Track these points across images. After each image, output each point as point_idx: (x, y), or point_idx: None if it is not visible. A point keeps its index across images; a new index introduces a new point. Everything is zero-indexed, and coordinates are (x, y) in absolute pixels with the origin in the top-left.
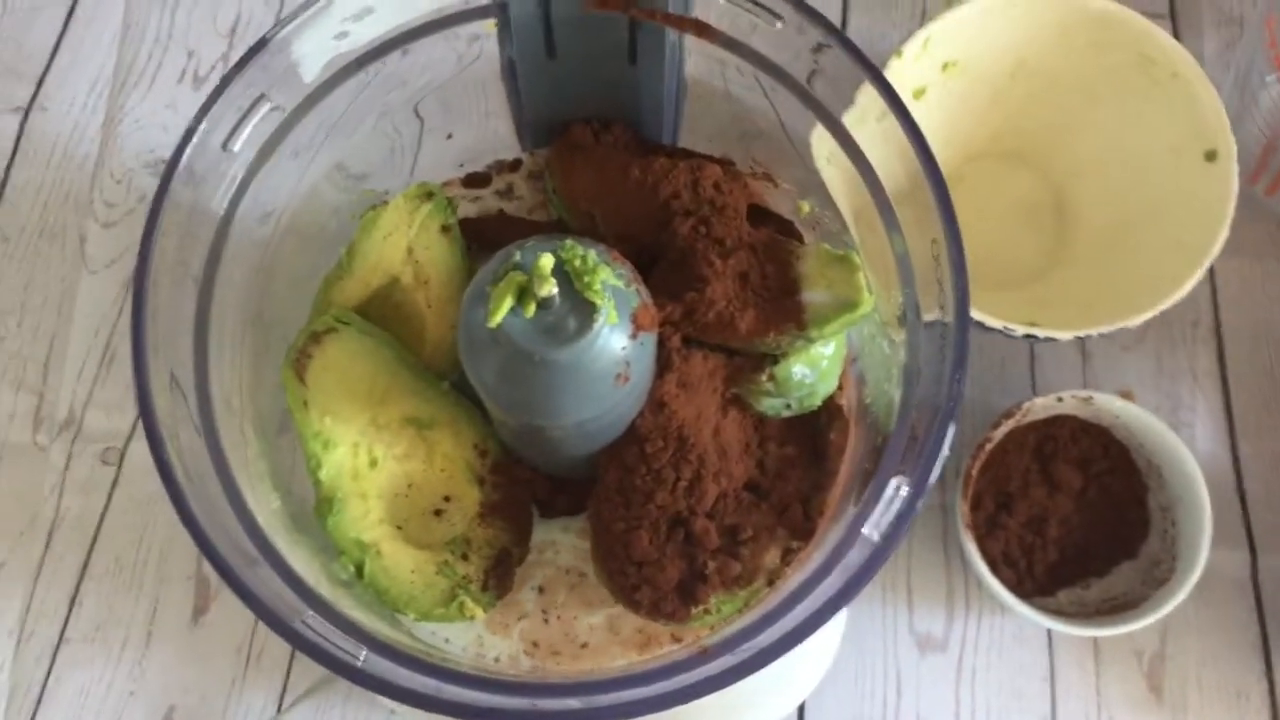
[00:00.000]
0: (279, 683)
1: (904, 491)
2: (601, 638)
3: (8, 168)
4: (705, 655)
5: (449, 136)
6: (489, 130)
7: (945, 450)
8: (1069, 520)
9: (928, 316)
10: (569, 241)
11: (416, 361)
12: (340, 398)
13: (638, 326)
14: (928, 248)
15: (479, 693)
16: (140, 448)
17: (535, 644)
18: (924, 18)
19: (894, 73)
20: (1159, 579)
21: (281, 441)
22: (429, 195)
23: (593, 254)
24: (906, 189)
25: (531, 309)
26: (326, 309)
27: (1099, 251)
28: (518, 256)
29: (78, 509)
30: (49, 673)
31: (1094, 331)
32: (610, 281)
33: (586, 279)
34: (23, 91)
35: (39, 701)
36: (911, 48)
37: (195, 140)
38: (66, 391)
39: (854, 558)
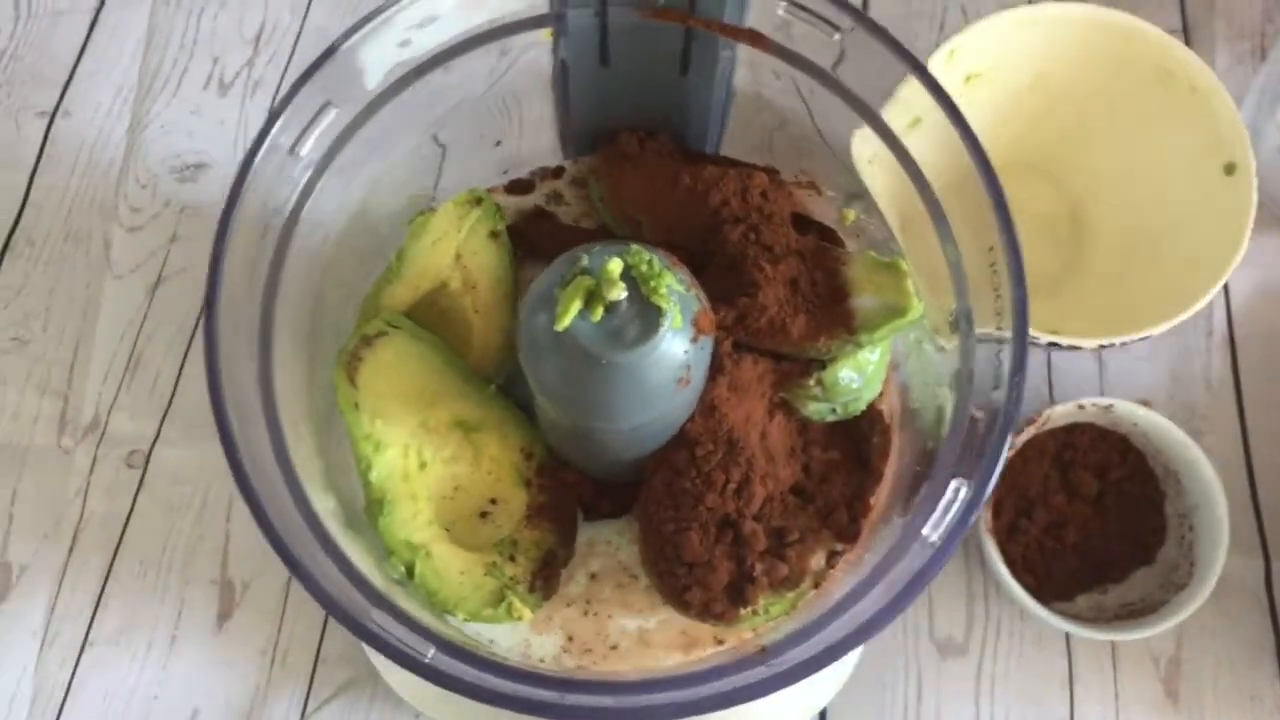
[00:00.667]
0: (304, 686)
1: (964, 493)
2: (631, 644)
3: (33, 173)
4: (763, 655)
5: (497, 143)
6: (533, 138)
7: (1005, 454)
8: (1088, 526)
9: (982, 325)
10: (634, 246)
11: (464, 365)
12: (391, 400)
13: (698, 330)
14: (982, 254)
15: (551, 691)
16: (165, 452)
17: (571, 638)
18: (942, 31)
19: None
20: (1176, 584)
21: (330, 442)
22: (478, 201)
23: (658, 259)
24: (955, 186)
25: (599, 313)
26: (375, 313)
27: (1116, 263)
28: (585, 261)
29: (102, 512)
30: (73, 676)
31: (1116, 340)
32: (674, 286)
33: (653, 283)
34: (48, 97)
35: (62, 705)
36: (937, 60)
37: (267, 144)
38: (91, 395)
39: (914, 559)
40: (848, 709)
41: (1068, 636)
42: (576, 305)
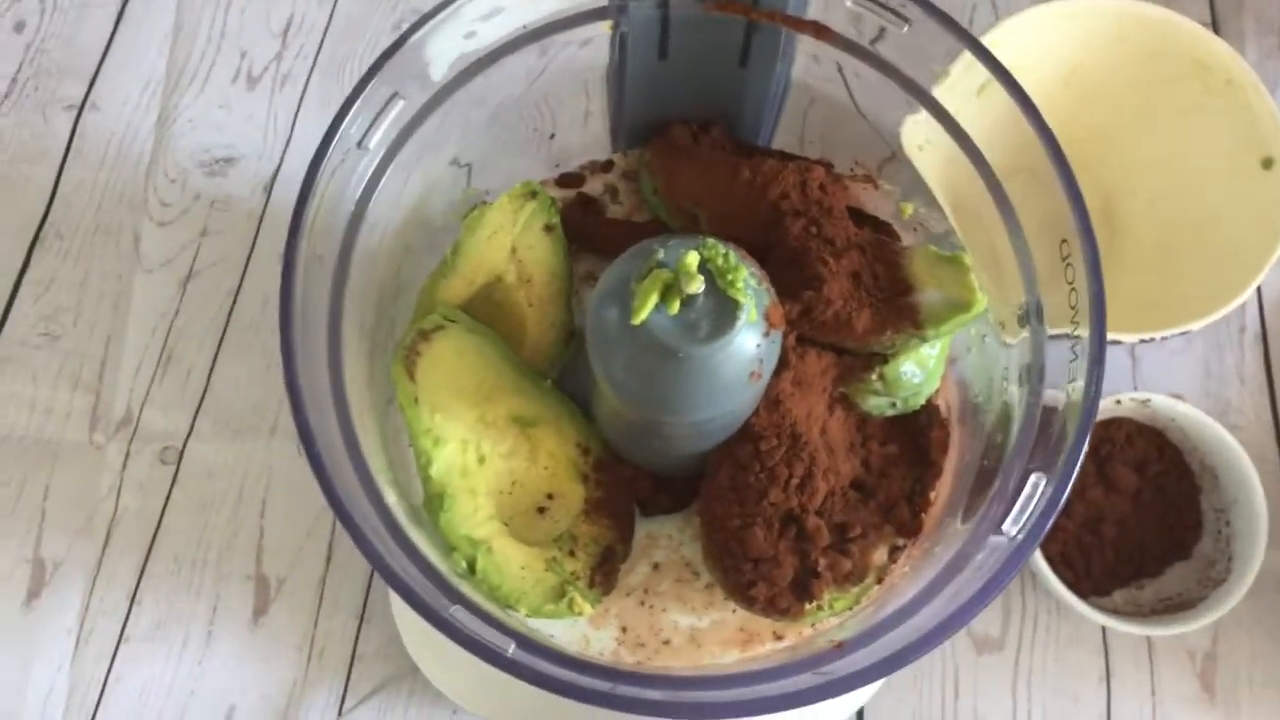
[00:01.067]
0: (340, 683)
1: (1044, 488)
2: (683, 641)
3: (61, 166)
4: (840, 650)
5: (551, 136)
6: (582, 132)
7: (1086, 448)
8: (1125, 521)
9: (1054, 319)
10: (709, 240)
11: (520, 360)
12: (449, 395)
13: (770, 324)
14: (1053, 246)
15: (641, 689)
16: (199, 447)
17: (625, 629)
18: (972, 26)
19: (950, 78)
20: (1214, 580)
21: (388, 437)
22: (533, 194)
23: (733, 253)
24: (1011, 174)
25: (676, 306)
26: (431, 307)
27: (1151, 257)
28: (661, 254)
29: (136, 508)
30: (109, 672)
31: (1156, 335)
32: (748, 279)
33: (730, 276)
34: (75, 90)
35: (99, 701)
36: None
37: (339, 136)
38: (123, 390)
39: (992, 556)
40: (884, 706)
41: (1104, 631)
42: (654, 298)
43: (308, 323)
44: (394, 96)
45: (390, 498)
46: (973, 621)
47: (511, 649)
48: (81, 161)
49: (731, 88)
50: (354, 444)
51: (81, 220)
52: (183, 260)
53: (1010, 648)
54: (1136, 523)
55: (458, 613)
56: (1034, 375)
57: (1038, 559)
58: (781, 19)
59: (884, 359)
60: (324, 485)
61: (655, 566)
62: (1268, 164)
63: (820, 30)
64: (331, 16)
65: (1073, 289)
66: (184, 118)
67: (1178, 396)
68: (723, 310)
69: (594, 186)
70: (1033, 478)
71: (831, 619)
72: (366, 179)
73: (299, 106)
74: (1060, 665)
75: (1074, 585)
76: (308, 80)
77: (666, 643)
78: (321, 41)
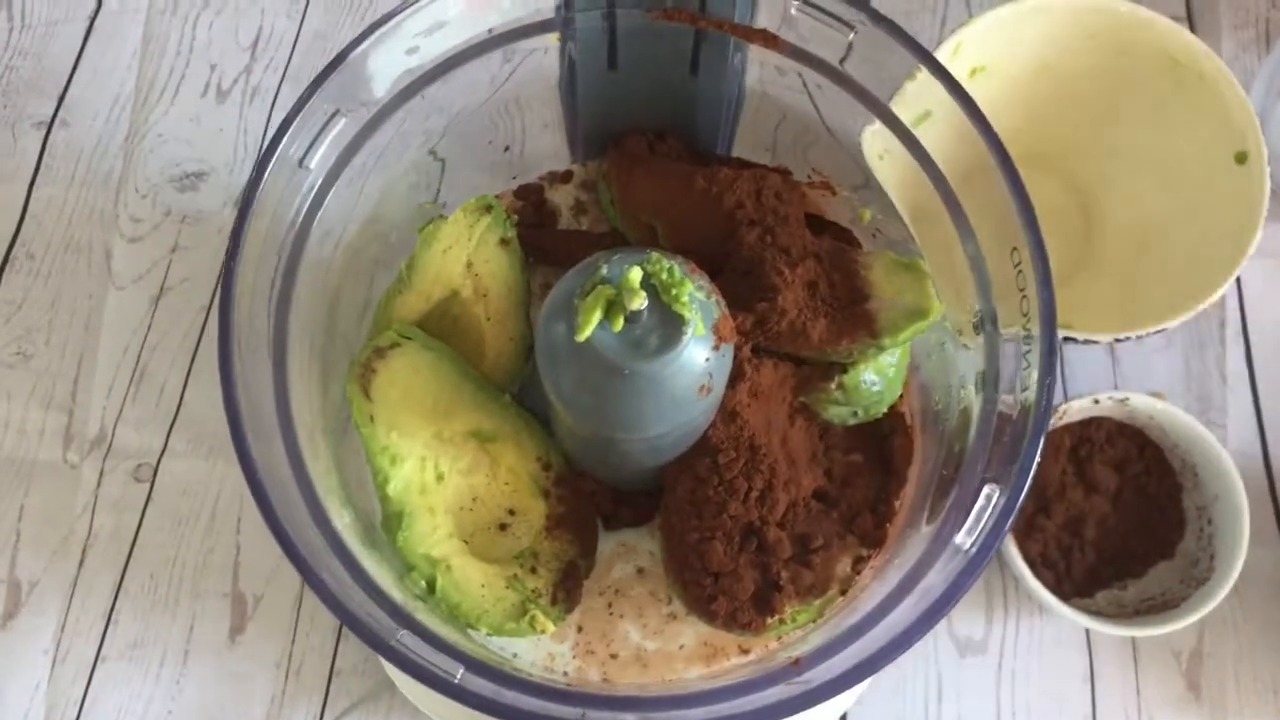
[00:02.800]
0: (319, 700)
1: (997, 500)
2: (629, 657)
3: (31, 184)
4: (797, 667)
5: (506, 149)
6: (539, 143)
7: (1038, 459)
8: (1106, 521)
9: (1007, 325)
10: (654, 254)
11: (478, 375)
12: (405, 412)
13: (720, 338)
14: (1005, 254)
15: (574, 708)
16: (173, 464)
17: (581, 629)
18: (944, 25)
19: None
20: (1197, 579)
21: (344, 456)
22: (488, 208)
23: (678, 266)
24: (967, 182)
25: (620, 322)
26: (387, 323)
27: (1127, 255)
28: (604, 270)
29: (111, 527)
30: (86, 692)
31: (1132, 334)
32: (694, 294)
33: (674, 291)
34: (45, 107)
35: None
36: (943, 54)
37: (277, 156)
38: (96, 409)
39: (947, 568)
40: (868, 711)
41: (1088, 632)
42: (597, 315)
43: (250, 345)
44: (335, 114)
45: (345, 519)
46: (955, 624)
47: (460, 674)
48: (51, 179)
49: (684, 96)
50: (300, 466)
51: (52, 238)
52: (154, 276)
53: (993, 650)
54: (1118, 523)
55: (405, 638)
56: (989, 382)
57: (1018, 562)
58: (729, 28)
59: (843, 368)
60: (263, 508)
61: (639, 572)
62: (1241, 158)
63: (769, 39)
64: (300, 29)
65: (1024, 296)
66: (154, 132)
67: (1158, 395)
68: (668, 325)
69: (555, 198)
70: (986, 489)
71: (795, 631)
72: (310, 198)
73: (269, 119)
74: (1044, 667)
75: (1056, 587)
76: (277, 92)
77: (614, 656)
78: (291, 54)
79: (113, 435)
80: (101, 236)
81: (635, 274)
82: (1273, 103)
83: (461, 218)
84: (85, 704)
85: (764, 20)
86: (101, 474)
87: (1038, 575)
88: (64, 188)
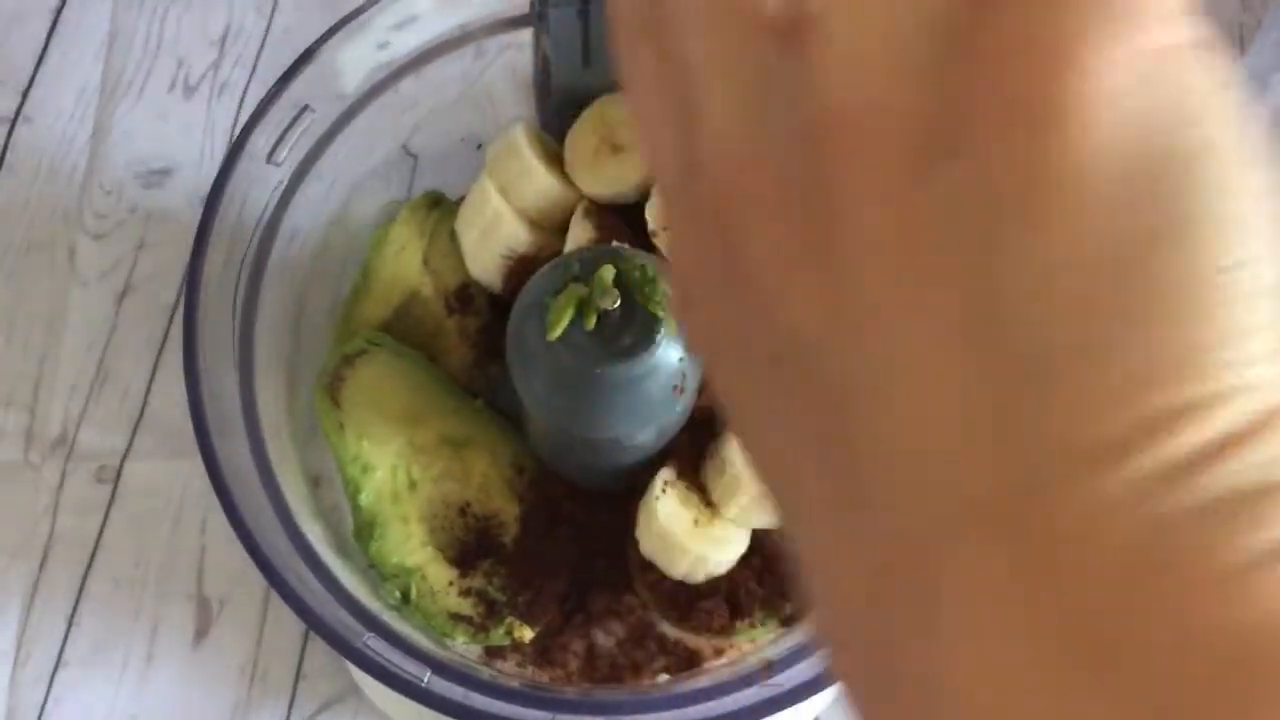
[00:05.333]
0: (285, 704)
1: None
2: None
3: None
4: (768, 671)
5: (479, 147)
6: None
7: None
8: None
9: None
10: (626, 252)
11: (448, 380)
12: (376, 420)
13: None
14: None
15: (544, 712)
16: (137, 466)
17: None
18: None
19: None
20: None
21: (313, 461)
22: (436, 202)
23: (650, 265)
24: None
25: (592, 321)
26: (350, 332)
27: None
28: (576, 268)
29: (73, 528)
30: (47, 696)
31: None
32: (668, 293)
33: (647, 290)
34: (7, 102)
35: None
36: None
37: (244, 153)
38: (59, 408)
39: None
40: (841, 713)
41: None
42: (569, 314)
43: (216, 343)
44: (304, 110)
45: (316, 529)
46: None
47: (428, 677)
48: (14, 176)
49: None
50: (267, 469)
51: (14, 235)
52: (119, 274)
53: None
54: None
55: (372, 641)
56: None
57: None
58: None
59: None
60: (227, 508)
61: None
62: None
63: None
64: (270, 24)
65: None
66: (120, 128)
67: None
68: (641, 325)
69: None
70: None
71: (767, 635)
72: (280, 193)
73: (237, 115)
74: None
75: None
76: (246, 88)
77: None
78: (260, 49)
79: (75, 435)
80: (65, 234)
81: (608, 272)
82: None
83: (410, 216)
84: (46, 708)
85: None
86: (63, 475)
87: None
88: (27, 184)
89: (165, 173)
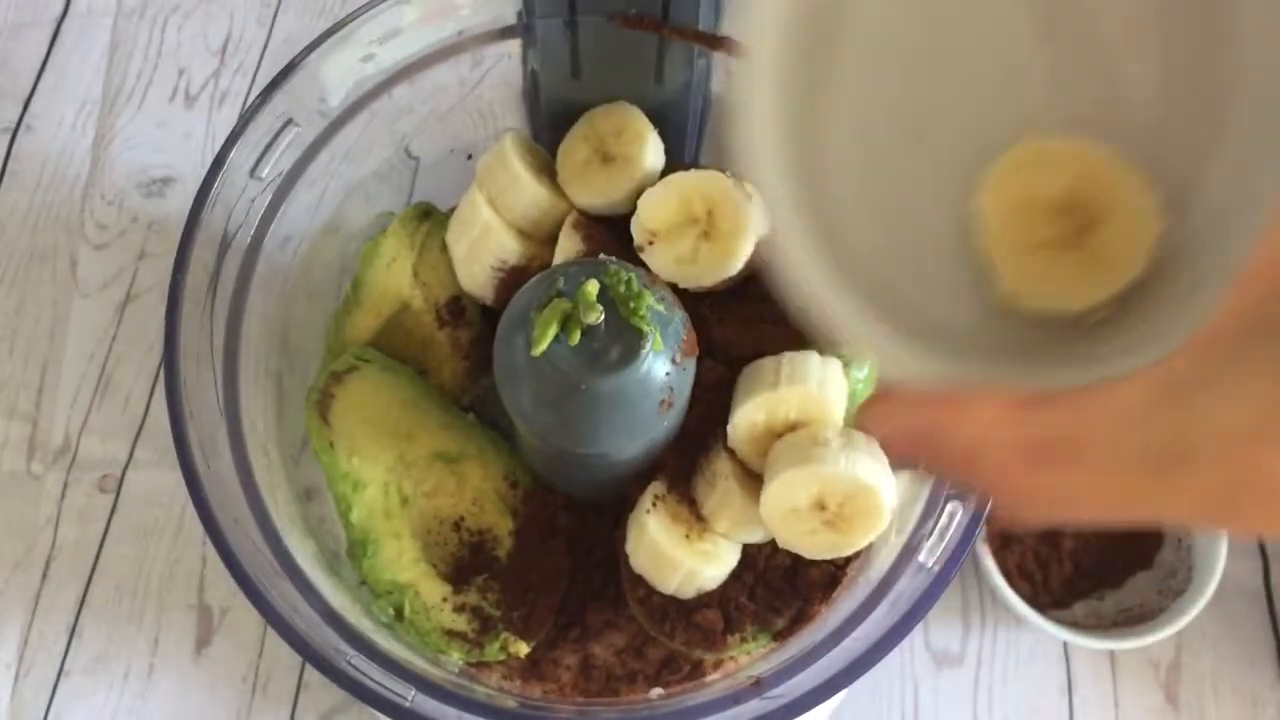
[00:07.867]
0: (286, 713)
1: (960, 517)
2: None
3: None
4: (758, 687)
5: (469, 157)
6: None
7: None
8: (1083, 532)
9: None
10: (612, 266)
11: (439, 395)
12: (366, 436)
13: (681, 352)
14: None
15: None
16: (138, 475)
17: None
18: None
19: None
20: (1175, 590)
21: (303, 476)
22: (426, 214)
23: (636, 279)
24: None
25: (577, 336)
26: (341, 346)
27: None
28: (560, 283)
29: (75, 538)
30: (49, 706)
31: None
32: (654, 306)
33: (632, 304)
34: (9, 112)
35: None
36: None
37: (225, 168)
38: (61, 418)
39: (911, 585)
40: None
41: (1065, 644)
42: (553, 329)
43: (199, 357)
44: (288, 123)
45: (308, 548)
46: (932, 636)
47: (413, 696)
48: (16, 185)
49: (649, 105)
50: (251, 484)
51: (16, 245)
52: (120, 284)
53: (970, 662)
54: (1095, 534)
55: (356, 660)
56: None
57: (994, 575)
58: (693, 35)
59: None
60: (206, 523)
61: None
62: None
63: (733, 45)
64: (270, 34)
65: None
66: (121, 138)
67: None
68: (626, 339)
69: None
70: (949, 506)
71: (759, 650)
72: (263, 210)
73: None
74: (1021, 679)
75: (1032, 599)
76: (246, 98)
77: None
78: (260, 58)
79: (77, 445)
80: (67, 243)
81: (592, 286)
82: None
83: (400, 228)
84: (48, 719)
85: (728, 27)
86: (66, 485)
87: (1014, 586)
88: (29, 194)
89: (166, 182)
